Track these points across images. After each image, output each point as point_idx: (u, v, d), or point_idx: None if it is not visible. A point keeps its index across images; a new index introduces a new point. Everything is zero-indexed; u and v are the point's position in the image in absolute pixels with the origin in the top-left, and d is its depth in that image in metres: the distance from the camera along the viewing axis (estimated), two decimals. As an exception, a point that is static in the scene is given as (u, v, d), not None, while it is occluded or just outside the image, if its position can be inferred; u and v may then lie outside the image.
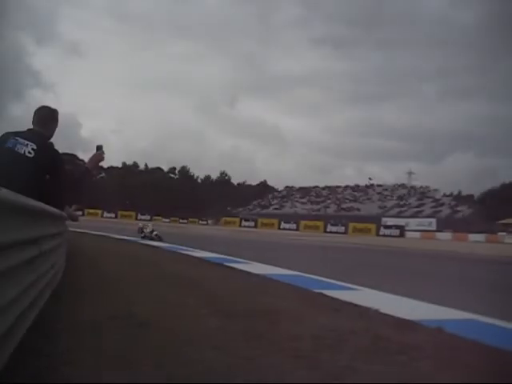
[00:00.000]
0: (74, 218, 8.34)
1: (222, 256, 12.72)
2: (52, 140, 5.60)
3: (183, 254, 12.73)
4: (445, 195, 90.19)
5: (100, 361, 3.04)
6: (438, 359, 3.73)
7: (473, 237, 56.49)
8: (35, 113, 4.54)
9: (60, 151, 4.76)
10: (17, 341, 2.85)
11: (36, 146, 4.26)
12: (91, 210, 75.75)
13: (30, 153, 4.24)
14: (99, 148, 4.95)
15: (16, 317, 2.79)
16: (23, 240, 3.09)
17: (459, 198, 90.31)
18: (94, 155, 4.94)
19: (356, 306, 5.90)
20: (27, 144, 4.25)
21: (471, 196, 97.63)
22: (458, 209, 77.84)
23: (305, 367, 3.28)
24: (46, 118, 4.62)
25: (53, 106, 4.79)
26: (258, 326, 4.46)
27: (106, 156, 4.91)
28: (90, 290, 5.76)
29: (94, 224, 33.38)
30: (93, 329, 3.86)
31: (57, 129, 4.79)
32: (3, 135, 4.43)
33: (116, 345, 3.44)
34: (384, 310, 5.60)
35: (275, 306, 5.59)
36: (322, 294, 6.71)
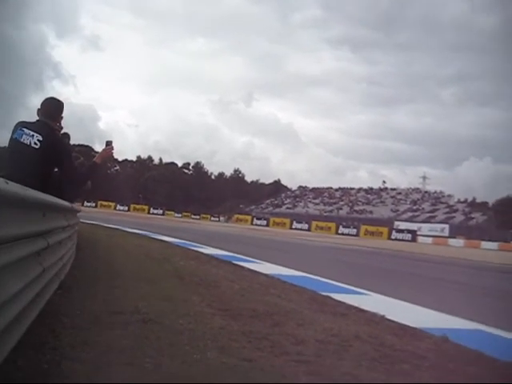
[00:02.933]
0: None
1: (231, 254, 12.73)
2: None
3: (193, 250, 12.74)
4: (459, 201, 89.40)
5: (102, 357, 3.06)
6: (441, 369, 3.70)
7: (485, 244, 56.06)
8: (42, 104, 4.52)
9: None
10: (21, 333, 2.87)
11: (42, 137, 4.25)
12: (104, 203, 76.22)
13: (35, 144, 4.22)
14: (109, 143, 4.97)
15: (21, 308, 2.81)
16: (31, 234, 3.11)
17: (473, 205, 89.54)
18: (104, 150, 4.93)
19: (362, 311, 5.88)
20: (33, 135, 4.23)
21: (486, 203, 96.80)
22: (472, 216, 77.14)
23: (306, 372, 3.27)
24: (53, 109, 4.59)
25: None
26: (262, 327, 4.46)
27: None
28: (97, 283, 5.79)
29: (106, 217, 33.54)
30: (97, 324, 3.88)
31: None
32: (15, 125, 4.43)
33: (119, 341, 3.46)
34: (390, 316, 5.57)
35: (281, 307, 5.58)
36: (329, 297, 6.69)
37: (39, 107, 4.54)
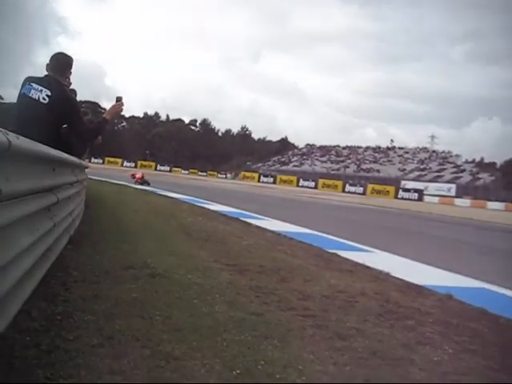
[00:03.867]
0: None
1: (239, 211, 12.80)
2: (76, 88, 5.56)
3: (200, 207, 12.80)
4: (466, 161, 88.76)
5: (113, 309, 3.12)
6: (444, 325, 3.76)
7: (492, 205, 56.04)
8: (51, 59, 4.45)
9: (84, 99, 4.74)
10: (33, 287, 2.93)
11: (51, 92, 4.22)
12: (111, 159, 76.21)
13: (44, 99, 4.17)
14: (119, 99, 4.92)
15: (33, 262, 2.87)
16: (41, 188, 3.14)
17: (481, 165, 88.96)
18: (113, 106, 4.89)
19: (368, 268, 5.94)
20: (42, 90, 4.19)
21: (493, 164, 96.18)
22: (479, 176, 76.72)
23: (312, 326, 3.34)
24: (62, 64, 4.54)
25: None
26: (269, 282, 4.53)
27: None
28: (106, 238, 5.85)
29: (113, 173, 33.63)
30: (107, 278, 3.94)
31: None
32: (24, 80, 4.39)
33: (129, 294, 3.52)
34: (396, 273, 5.64)
35: (287, 263, 5.65)
36: (335, 254, 6.76)
37: (48, 62, 4.49)
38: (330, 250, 6.99)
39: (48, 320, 2.76)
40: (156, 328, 2.88)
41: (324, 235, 9.23)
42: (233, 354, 2.64)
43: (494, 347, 3.36)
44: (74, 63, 4.74)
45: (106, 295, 3.40)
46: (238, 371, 2.45)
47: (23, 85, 4.33)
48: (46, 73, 4.46)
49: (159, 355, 2.51)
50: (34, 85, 4.26)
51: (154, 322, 2.99)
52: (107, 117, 4.86)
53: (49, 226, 3.51)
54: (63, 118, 4.37)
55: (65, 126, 4.52)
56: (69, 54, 4.74)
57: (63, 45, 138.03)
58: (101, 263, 4.38)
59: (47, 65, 4.47)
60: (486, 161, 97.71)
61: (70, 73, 4.68)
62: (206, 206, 13.46)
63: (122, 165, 77.15)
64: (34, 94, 4.22)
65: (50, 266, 3.63)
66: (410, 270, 6.15)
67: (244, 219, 10.49)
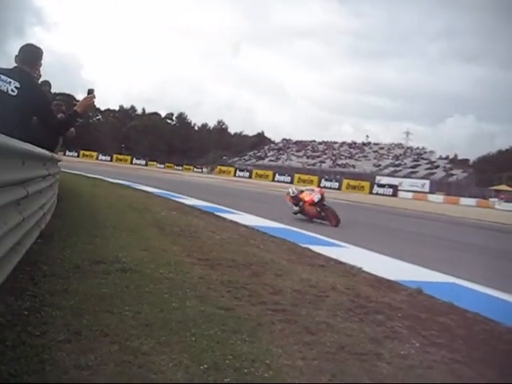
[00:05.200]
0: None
1: (213, 205, 12.79)
2: (52, 80, 5.46)
3: (175, 201, 12.75)
4: (440, 158, 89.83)
5: (82, 304, 3.10)
6: (413, 319, 3.82)
7: (464, 201, 56.83)
8: (20, 50, 4.37)
9: (59, 91, 4.66)
10: (1, 281, 2.89)
11: (20, 84, 4.15)
12: (86, 152, 75.28)
13: (13, 91, 4.11)
14: (90, 92, 4.86)
15: (1, 256, 2.83)
16: (10, 182, 3.09)
17: (455, 162, 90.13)
18: (85, 98, 4.82)
19: (340, 263, 5.98)
20: (10, 82, 4.12)
21: (467, 160, 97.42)
22: (453, 172, 77.72)
23: (282, 320, 3.36)
24: (32, 56, 4.46)
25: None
26: (240, 276, 4.55)
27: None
28: (78, 232, 5.79)
29: (88, 167, 33.27)
30: (77, 272, 3.91)
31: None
32: None
33: (99, 289, 3.50)
34: (368, 268, 5.70)
35: (260, 258, 5.67)
36: (307, 248, 6.80)
37: (17, 54, 4.41)
38: (302, 245, 7.03)
39: (14, 315, 2.74)
40: (125, 323, 2.87)
41: (298, 230, 9.29)
42: (201, 349, 2.65)
43: (460, 341, 3.43)
44: (49, 55, 4.69)
45: (75, 290, 3.37)
46: (205, 366, 2.46)
47: None
48: (16, 64, 4.38)
49: (127, 350, 2.50)
50: (2, 76, 4.17)
51: (123, 317, 2.98)
52: (78, 109, 4.79)
53: (18, 219, 3.46)
54: (33, 110, 4.30)
55: (35, 118, 4.45)
56: (44, 45, 4.67)
57: (39, 36, 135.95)
58: (71, 257, 4.33)
59: (16, 56, 4.39)
60: (460, 157, 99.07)
61: (40, 64, 4.61)
62: (180, 200, 13.40)
63: (97, 158, 76.31)
64: (3, 86, 4.15)
65: (18, 261, 3.58)
66: (382, 265, 6.23)
67: (218, 214, 10.49)
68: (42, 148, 4.69)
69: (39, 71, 4.63)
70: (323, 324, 3.40)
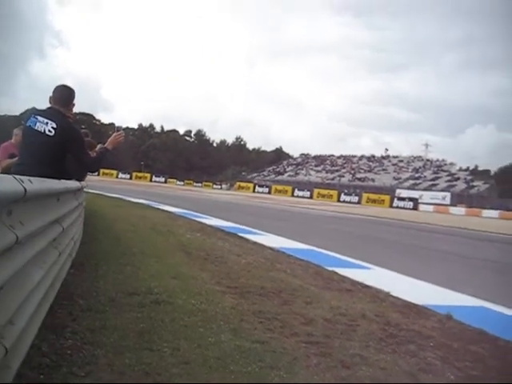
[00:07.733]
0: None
1: (235, 225, 12.84)
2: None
3: (197, 222, 12.84)
4: (461, 169, 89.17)
5: (122, 341, 3.16)
6: (445, 349, 3.82)
7: (487, 213, 56.23)
8: (54, 91, 4.54)
9: (79, 111, 4.78)
10: (41, 318, 2.96)
11: (56, 124, 4.31)
12: (106, 171, 76.12)
13: (50, 131, 4.28)
14: (119, 129, 5.04)
15: (43, 294, 2.90)
16: (48, 222, 3.18)
17: (475, 173, 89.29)
18: (114, 136, 4.98)
19: (367, 286, 5.99)
20: (47, 122, 4.29)
21: (488, 171, 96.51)
22: (474, 184, 77.05)
23: (316, 354, 3.39)
24: (66, 97, 4.63)
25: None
26: (271, 306, 4.58)
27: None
28: (107, 260, 5.87)
29: (109, 185, 33.58)
30: (113, 306, 3.97)
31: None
32: (27, 112, 4.48)
33: (136, 324, 3.56)
34: (395, 292, 5.70)
35: (288, 284, 5.70)
36: (334, 272, 6.81)
37: (51, 95, 4.57)
38: (328, 268, 7.04)
39: (58, 355, 2.80)
40: (165, 361, 2.92)
41: (322, 251, 9.29)
42: (241, 387, 2.69)
43: (494, 373, 3.43)
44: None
45: (113, 326, 3.44)
46: (247, 405, 2.50)
47: (28, 117, 4.41)
48: (49, 105, 4.54)
49: (169, 390, 2.55)
50: (39, 117, 4.34)
51: (162, 353, 3.03)
52: (109, 147, 4.96)
53: (55, 256, 3.56)
54: (68, 149, 4.46)
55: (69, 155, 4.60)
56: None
57: (60, 56, 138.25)
58: (105, 289, 4.41)
59: (50, 97, 4.55)
60: (481, 168, 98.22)
61: (74, 104, 4.76)
62: (203, 220, 13.50)
63: (117, 176, 77.15)
64: (40, 127, 4.31)
65: (55, 295, 3.67)
66: (407, 288, 6.22)
67: (241, 234, 10.54)
68: (72, 179, 4.85)
69: (72, 111, 4.78)
70: (357, 357, 3.41)
